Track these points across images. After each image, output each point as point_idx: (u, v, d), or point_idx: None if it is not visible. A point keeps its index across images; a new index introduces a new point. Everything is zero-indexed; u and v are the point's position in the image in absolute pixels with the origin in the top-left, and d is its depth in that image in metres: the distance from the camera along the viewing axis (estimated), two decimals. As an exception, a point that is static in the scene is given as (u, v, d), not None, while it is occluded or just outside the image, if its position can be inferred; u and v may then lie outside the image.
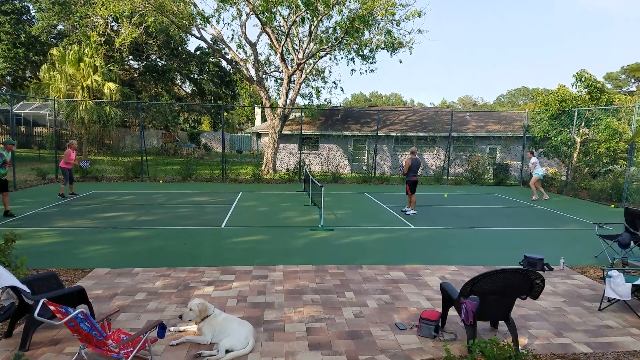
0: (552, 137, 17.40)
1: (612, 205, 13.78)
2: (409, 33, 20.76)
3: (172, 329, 4.58)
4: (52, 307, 3.69)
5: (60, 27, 29.45)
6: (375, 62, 21.78)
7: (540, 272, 6.75)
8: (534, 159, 14.80)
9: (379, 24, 19.34)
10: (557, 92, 17.52)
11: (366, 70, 23.81)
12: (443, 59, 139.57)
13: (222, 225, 9.76)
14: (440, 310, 4.90)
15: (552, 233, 9.76)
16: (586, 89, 16.64)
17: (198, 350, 4.16)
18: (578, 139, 16.47)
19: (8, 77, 31.33)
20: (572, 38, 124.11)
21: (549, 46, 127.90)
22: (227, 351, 4.10)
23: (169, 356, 4.08)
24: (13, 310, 4.44)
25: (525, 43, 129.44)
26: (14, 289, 4.22)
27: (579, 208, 13.27)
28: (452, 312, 4.94)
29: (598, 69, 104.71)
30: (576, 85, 16.84)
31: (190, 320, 4.44)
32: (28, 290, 4.25)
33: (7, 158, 9.92)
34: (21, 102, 33.45)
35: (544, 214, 12.08)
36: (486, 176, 20.36)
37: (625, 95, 19.70)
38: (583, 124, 16.36)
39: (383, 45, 20.35)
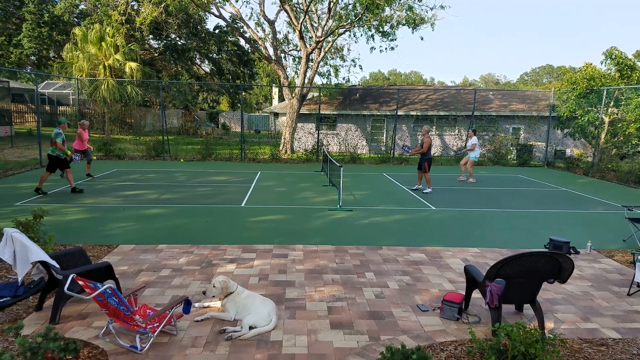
0: (579, 117, 16.86)
1: (641, 188, 13.37)
2: (431, 9, 20.24)
3: (196, 304, 4.66)
4: (81, 282, 3.77)
5: (82, 6, 29.56)
6: (395, 39, 21.29)
7: (569, 256, 6.64)
8: (475, 139, 13.90)
9: (400, 0, 18.84)
10: (584, 70, 16.90)
11: (386, 48, 23.29)
12: (465, 35, 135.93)
13: (242, 205, 9.82)
14: (463, 292, 4.85)
15: (578, 216, 9.53)
16: (616, 67, 16.01)
17: (222, 326, 4.22)
18: (606, 119, 15.93)
19: (33, 57, 31.75)
20: (599, 14, 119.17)
21: (575, 23, 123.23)
22: (250, 328, 4.14)
23: (194, 332, 4.15)
24: (43, 285, 4.58)
25: (550, 19, 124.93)
26: (43, 264, 4.32)
27: (606, 190, 12.91)
28: (475, 294, 4.88)
29: (628, 46, 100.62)
30: (606, 63, 16.22)
31: (213, 296, 4.50)
32: (57, 265, 4.35)
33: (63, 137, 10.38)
34: (45, 82, 33.98)
35: (570, 196, 11.80)
36: (509, 157, 19.94)
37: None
38: (612, 103, 15.80)
39: (404, 22, 19.84)
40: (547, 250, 6.87)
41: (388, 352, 3.22)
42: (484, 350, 3.68)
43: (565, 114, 17.62)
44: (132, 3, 24.28)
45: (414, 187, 12.31)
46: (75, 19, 30.14)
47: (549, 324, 4.47)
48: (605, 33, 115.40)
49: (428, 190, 11.80)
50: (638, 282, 5.20)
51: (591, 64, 17.06)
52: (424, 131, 11.98)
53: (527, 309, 4.74)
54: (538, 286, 4.24)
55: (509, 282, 4.16)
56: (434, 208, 9.94)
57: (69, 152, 10.48)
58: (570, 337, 4.25)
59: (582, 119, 16.62)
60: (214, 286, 4.48)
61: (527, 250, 4.13)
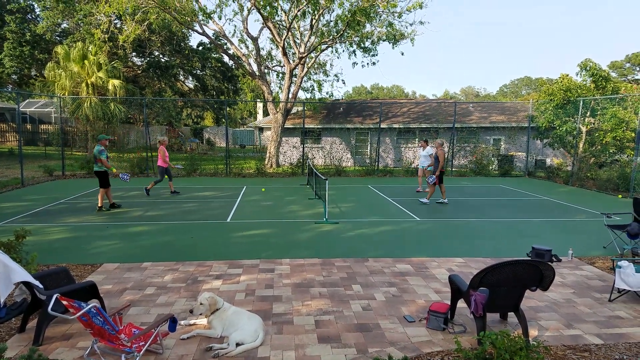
0: (557, 127, 17.28)
1: (620, 196, 13.70)
2: (411, 25, 20.60)
3: (182, 322, 4.61)
4: (65, 302, 3.72)
5: (64, 25, 29.41)
6: (376, 55, 21.67)
7: (550, 264, 6.76)
8: (428, 149, 14.02)
9: (380, 17, 19.22)
10: (561, 82, 17.39)
11: (368, 63, 23.59)
12: (445, 49, 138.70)
13: (228, 220, 9.78)
14: (449, 302, 4.90)
15: (560, 224, 9.73)
16: (591, 78, 16.51)
17: (209, 343, 4.19)
18: (584, 129, 16.36)
19: (14, 76, 31.36)
20: (575, 26, 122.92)
21: (552, 35, 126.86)
22: (237, 344, 4.12)
23: (181, 350, 4.11)
24: (26, 306, 4.49)
25: (528, 32, 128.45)
26: (26, 284, 4.26)
27: (585, 198, 13.21)
28: (460, 304, 4.94)
29: (602, 58, 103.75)
30: (581, 75, 16.73)
31: (200, 314, 4.47)
32: (41, 286, 4.29)
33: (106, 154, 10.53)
34: (27, 100, 33.56)
35: (551, 205, 12.04)
36: (491, 167, 20.28)
37: (630, 83, 19.47)
38: (588, 113, 16.24)
39: (384, 37, 20.22)
40: (529, 258, 7.00)
41: (375, 363, 3.24)
42: (470, 359, 3.73)
43: (543, 125, 18.04)
44: (115, 21, 24.26)
45: (439, 201, 12.18)
46: (58, 38, 29.95)
47: (533, 332, 4.54)
48: (581, 45, 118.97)
49: (426, 200, 12.10)
50: (619, 288, 5.32)
51: (567, 75, 17.56)
52: (437, 145, 11.92)
53: (512, 317, 4.81)
54: (521, 294, 4.32)
55: (492, 291, 4.22)
56: (418, 219, 10.04)
57: (114, 170, 10.71)
58: (554, 344, 4.33)
59: (561, 129, 17.04)
60: (200, 304, 4.45)
61: (509, 259, 4.21)
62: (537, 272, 4.15)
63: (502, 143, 24.13)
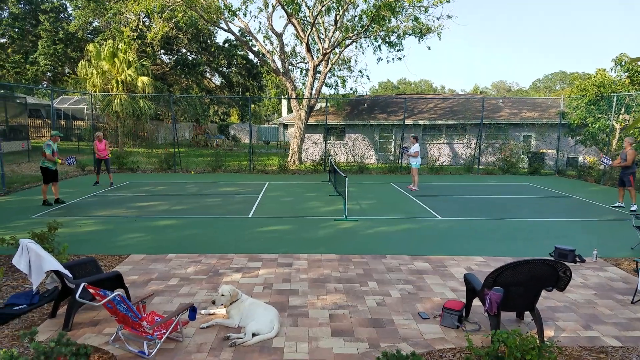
0: (590, 124, 16.78)
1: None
2: (438, 19, 20.38)
3: (202, 312, 4.79)
4: (91, 290, 3.94)
5: (95, 23, 30.39)
6: (402, 50, 21.47)
7: (571, 264, 6.64)
8: (417, 146, 13.62)
9: (406, 11, 19.05)
10: (594, 77, 16.85)
11: (393, 58, 23.49)
12: (476, 43, 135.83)
13: (250, 215, 9.98)
14: (464, 300, 4.91)
15: (587, 224, 9.50)
16: (626, 73, 15.96)
17: (226, 333, 4.34)
18: (617, 126, 15.84)
19: (48, 73, 32.64)
20: (613, 19, 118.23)
21: (589, 28, 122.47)
22: (253, 334, 4.26)
23: (199, 338, 4.28)
24: (56, 293, 4.77)
25: (564, 24, 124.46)
26: (57, 273, 4.51)
27: (616, 198, 12.79)
28: (476, 302, 4.94)
29: (638, 52, 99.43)
30: (615, 70, 16.18)
31: (222, 304, 4.64)
32: (70, 275, 4.54)
33: (55, 148, 10.57)
34: (61, 97, 34.81)
35: (580, 205, 11.75)
36: (520, 165, 19.86)
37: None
38: (623, 109, 15.71)
39: (410, 32, 20.02)
40: (545, 258, 6.89)
41: (384, 357, 3.31)
42: (481, 357, 3.74)
43: (575, 122, 17.55)
44: (144, 19, 24.88)
45: (615, 205, 11.42)
46: (89, 36, 30.98)
47: (548, 332, 4.51)
48: (618, 38, 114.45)
49: (634, 207, 10.87)
50: (641, 290, 5.21)
51: (603, 70, 16.99)
52: (627, 143, 10.91)
53: (528, 316, 4.78)
54: (537, 294, 4.29)
55: (507, 290, 4.22)
56: (440, 217, 9.99)
57: (60, 161, 10.64)
58: (569, 345, 4.28)
59: (593, 126, 16.54)
60: (222, 295, 4.62)
61: (524, 258, 4.19)
62: (553, 272, 4.12)
63: (532, 140, 23.58)
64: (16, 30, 29.90)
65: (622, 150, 11.17)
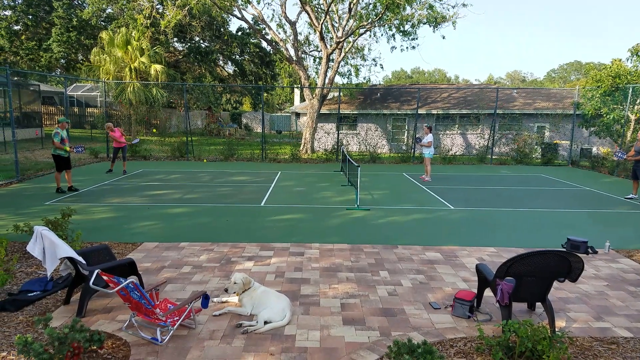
0: (604, 115, 16.48)
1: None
2: (453, 7, 20.05)
3: (214, 299, 4.86)
4: (105, 277, 4.01)
5: (109, 10, 30.48)
6: (416, 39, 21.23)
7: (583, 255, 6.58)
8: (430, 136, 13.52)
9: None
10: (610, 68, 16.51)
11: (407, 47, 23.29)
12: (491, 32, 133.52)
13: (262, 204, 10.03)
14: (476, 291, 4.90)
15: (601, 215, 9.38)
16: (643, 64, 15.61)
17: (239, 320, 4.40)
18: (632, 117, 15.52)
19: (62, 60, 32.90)
20: (630, 7, 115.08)
21: (604, 18, 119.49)
22: (265, 322, 4.31)
23: (212, 325, 4.34)
24: (70, 280, 4.85)
25: (580, 12, 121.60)
26: (71, 260, 4.59)
27: (630, 190, 12.58)
28: (488, 293, 4.93)
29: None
30: (631, 60, 15.82)
31: (234, 292, 4.69)
32: (84, 262, 4.62)
33: (64, 135, 10.62)
34: (74, 84, 35.15)
35: (593, 196, 11.59)
36: (533, 156, 19.63)
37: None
38: (638, 100, 15.38)
39: (425, 20, 19.76)
40: (562, 249, 6.83)
41: (395, 346, 3.33)
42: (492, 346, 3.75)
43: (590, 112, 17.24)
44: (157, 6, 24.88)
45: (629, 197, 11.27)
46: (103, 23, 31.08)
47: (560, 323, 4.49)
48: (635, 28, 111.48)
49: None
50: (655, 283, 5.15)
51: (619, 61, 16.64)
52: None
53: (540, 307, 4.76)
54: (549, 285, 4.27)
55: (519, 281, 4.20)
56: (452, 208, 9.94)
57: (68, 148, 10.70)
58: (580, 335, 4.27)
59: (608, 117, 16.25)
60: (234, 282, 4.67)
61: (536, 249, 4.16)
62: (565, 263, 4.09)
63: (546, 131, 23.24)
64: (30, 17, 30.11)
65: (635, 143, 10.98)
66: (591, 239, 7.12)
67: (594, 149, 19.95)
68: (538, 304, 4.73)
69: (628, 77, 15.92)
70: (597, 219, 9.09)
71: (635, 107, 15.45)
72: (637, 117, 15.44)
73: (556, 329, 4.23)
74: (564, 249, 6.86)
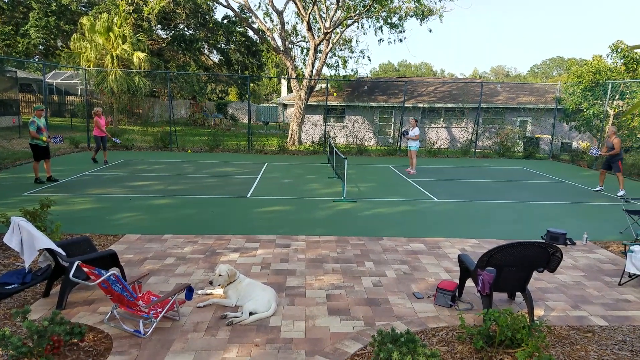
0: (585, 110, 16.80)
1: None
2: (440, 0, 20.09)
3: (199, 292, 4.84)
4: (85, 269, 3.96)
5: (89, -5, 29.74)
6: (404, 31, 21.23)
7: (562, 246, 6.74)
8: (417, 130, 13.63)
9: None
10: (590, 64, 16.83)
11: (394, 40, 23.23)
12: (476, 27, 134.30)
13: (248, 196, 10.00)
14: (458, 281, 4.99)
15: (578, 208, 9.61)
16: (622, 60, 15.93)
17: (224, 312, 4.40)
18: (611, 112, 15.86)
19: (40, 47, 32.01)
20: (610, 4, 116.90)
21: (586, 13, 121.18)
22: (250, 313, 4.32)
23: (196, 317, 4.33)
24: (50, 272, 4.74)
25: (562, 9, 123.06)
26: (50, 251, 4.50)
27: (608, 183, 12.89)
28: (469, 283, 5.02)
29: (635, 40, 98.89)
30: (612, 57, 16.15)
31: (219, 284, 4.68)
32: (63, 253, 4.53)
33: (41, 124, 10.30)
34: (53, 72, 34.30)
35: (572, 189, 11.84)
36: (515, 149, 19.93)
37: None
38: (617, 96, 15.72)
39: (412, 13, 19.78)
40: (541, 240, 6.98)
41: (379, 335, 3.38)
42: (473, 335, 3.83)
43: (571, 107, 17.56)
44: (140, -7, 24.36)
45: (596, 189, 11.65)
46: (83, 8, 30.33)
47: (538, 312, 4.61)
48: (616, 24, 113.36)
49: (622, 192, 11.08)
50: (629, 272, 5.31)
51: (599, 57, 16.95)
52: (610, 132, 11.22)
53: (520, 297, 4.88)
54: (528, 275, 4.37)
55: (500, 271, 4.29)
56: (436, 200, 10.06)
57: (45, 138, 10.38)
58: (558, 324, 4.39)
59: (588, 111, 16.57)
60: (219, 275, 4.65)
61: (517, 241, 4.25)
62: (545, 253, 4.19)
63: (528, 125, 23.60)
64: (6, 0, 29.20)
65: (606, 139, 11.39)
66: (570, 231, 7.28)
67: (574, 143, 20.37)
68: (518, 293, 4.85)
69: (608, 73, 16.25)
70: (575, 211, 9.31)
71: (615, 102, 15.78)
72: (616, 112, 15.78)
73: (535, 318, 4.34)
74: (544, 241, 7.01)
